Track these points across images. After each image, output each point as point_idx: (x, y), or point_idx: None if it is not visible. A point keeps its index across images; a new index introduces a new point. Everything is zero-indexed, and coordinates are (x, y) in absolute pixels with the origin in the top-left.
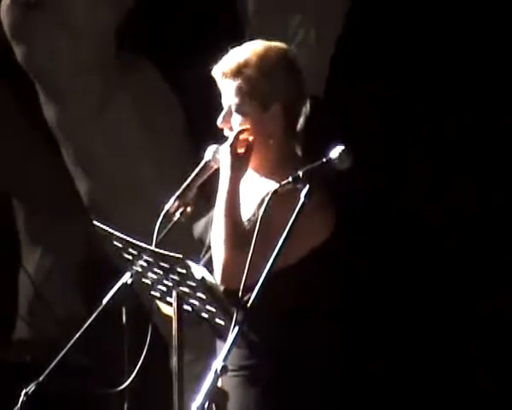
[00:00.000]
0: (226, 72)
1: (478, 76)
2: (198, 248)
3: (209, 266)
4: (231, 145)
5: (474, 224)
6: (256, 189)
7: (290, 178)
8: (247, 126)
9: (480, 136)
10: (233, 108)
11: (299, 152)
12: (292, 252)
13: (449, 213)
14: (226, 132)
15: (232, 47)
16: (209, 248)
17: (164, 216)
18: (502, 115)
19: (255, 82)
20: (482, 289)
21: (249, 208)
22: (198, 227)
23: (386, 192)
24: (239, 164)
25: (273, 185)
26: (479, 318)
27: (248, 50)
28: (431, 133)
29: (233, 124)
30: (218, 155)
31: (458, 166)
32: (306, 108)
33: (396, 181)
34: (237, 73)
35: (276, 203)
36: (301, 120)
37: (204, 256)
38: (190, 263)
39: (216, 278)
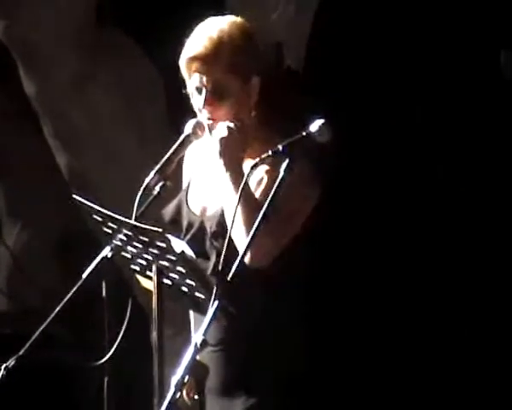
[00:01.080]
0: (202, 53)
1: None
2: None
3: (193, 244)
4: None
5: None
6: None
7: (270, 152)
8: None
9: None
10: (212, 87)
11: (280, 126)
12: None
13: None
14: (206, 113)
15: (195, 26)
16: (189, 228)
17: (144, 190)
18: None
19: (233, 57)
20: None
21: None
22: (168, 211)
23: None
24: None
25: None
26: (478, 316)
27: (216, 28)
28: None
29: (217, 102)
30: (198, 130)
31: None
32: (285, 82)
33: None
34: (216, 52)
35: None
36: (280, 94)
37: (186, 235)
38: (170, 237)
39: (253, 263)
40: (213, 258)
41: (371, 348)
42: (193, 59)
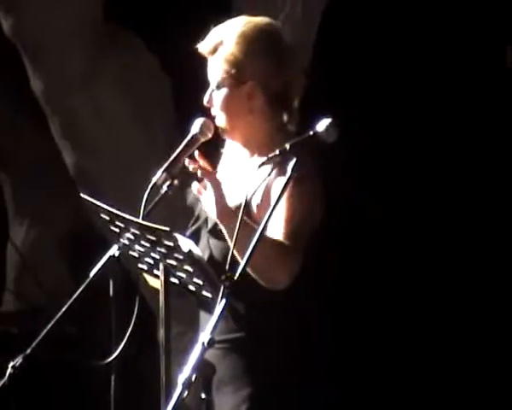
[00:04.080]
0: (206, 50)
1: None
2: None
3: (196, 235)
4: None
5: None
6: (247, 165)
7: (277, 151)
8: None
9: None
10: (214, 84)
11: (290, 127)
12: None
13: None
14: (212, 110)
15: (216, 24)
16: (198, 218)
17: (151, 188)
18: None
19: (231, 57)
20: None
21: (239, 187)
22: (191, 194)
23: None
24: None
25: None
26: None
27: (228, 28)
28: (418, 108)
29: (214, 100)
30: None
31: (444, 159)
32: (299, 82)
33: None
34: (214, 50)
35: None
36: (292, 97)
37: (192, 226)
38: (177, 236)
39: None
40: (206, 256)
41: (375, 351)
42: (201, 50)
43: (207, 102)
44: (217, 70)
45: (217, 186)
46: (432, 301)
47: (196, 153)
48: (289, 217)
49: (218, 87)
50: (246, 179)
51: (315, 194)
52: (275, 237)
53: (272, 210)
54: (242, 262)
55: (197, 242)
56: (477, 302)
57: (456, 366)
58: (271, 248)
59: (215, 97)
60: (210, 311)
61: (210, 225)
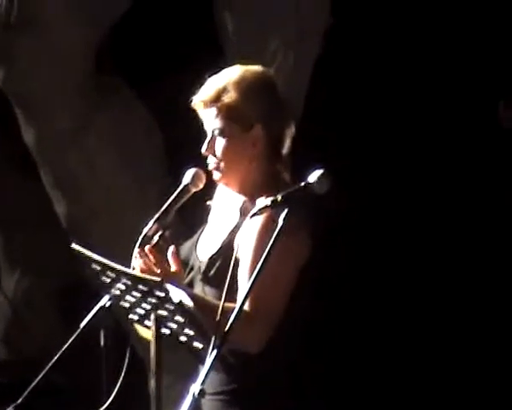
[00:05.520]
0: (206, 100)
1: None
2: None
3: (191, 286)
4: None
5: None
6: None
7: (268, 202)
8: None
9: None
10: (215, 133)
11: (285, 176)
12: None
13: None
14: (210, 160)
15: (210, 75)
16: (191, 269)
17: (142, 239)
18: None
19: (234, 104)
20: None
21: (228, 233)
22: (184, 249)
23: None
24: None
25: (253, 209)
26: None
27: (225, 76)
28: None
29: (216, 148)
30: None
31: (444, 174)
32: (291, 131)
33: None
34: (216, 99)
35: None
36: (287, 143)
37: (187, 277)
38: (169, 286)
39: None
40: None
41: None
42: (197, 102)
43: (206, 151)
44: (218, 118)
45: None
46: (432, 303)
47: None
48: (260, 280)
49: (222, 135)
50: (237, 228)
51: (294, 249)
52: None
53: (261, 268)
54: (233, 315)
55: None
56: (477, 302)
57: (456, 366)
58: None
59: (218, 145)
60: (201, 362)
61: (202, 272)
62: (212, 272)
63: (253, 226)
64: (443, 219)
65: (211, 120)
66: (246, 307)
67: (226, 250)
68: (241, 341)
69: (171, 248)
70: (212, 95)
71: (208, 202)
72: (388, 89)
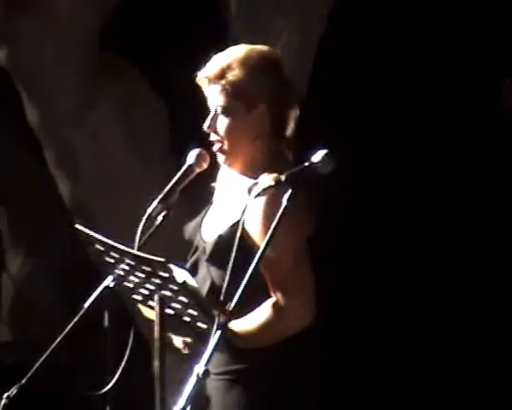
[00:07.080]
0: (210, 77)
1: None
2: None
3: (195, 266)
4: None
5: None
6: (242, 192)
7: (272, 182)
8: None
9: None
10: (218, 111)
11: (289, 156)
12: None
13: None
14: (212, 137)
15: (215, 53)
16: (196, 249)
17: (146, 219)
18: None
19: (238, 83)
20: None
21: (236, 214)
22: (188, 229)
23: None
24: None
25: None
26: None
27: (231, 54)
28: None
29: (218, 126)
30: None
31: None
32: (295, 112)
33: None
34: (221, 76)
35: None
36: (291, 124)
37: (191, 257)
38: (172, 267)
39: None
40: (207, 284)
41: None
42: (201, 78)
43: (208, 128)
44: (222, 96)
45: None
46: (432, 303)
47: None
48: (274, 262)
49: (226, 113)
50: (241, 208)
51: (296, 226)
52: (258, 313)
53: (268, 241)
54: (237, 294)
55: (196, 273)
56: (477, 302)
57: (456, 366)
58: (263, 330)
59: (220, 123)
60: (205, 342)
61: (208, 253)
62: (218, 252)
63: (258, 206)
64: (443, 217)
65: (214, 97)
66: (277, 301)
67: (233, 231)
68: (298, 326)
69: None
70: (217, 72)
71: (212, 184)
72: (392, 70)
